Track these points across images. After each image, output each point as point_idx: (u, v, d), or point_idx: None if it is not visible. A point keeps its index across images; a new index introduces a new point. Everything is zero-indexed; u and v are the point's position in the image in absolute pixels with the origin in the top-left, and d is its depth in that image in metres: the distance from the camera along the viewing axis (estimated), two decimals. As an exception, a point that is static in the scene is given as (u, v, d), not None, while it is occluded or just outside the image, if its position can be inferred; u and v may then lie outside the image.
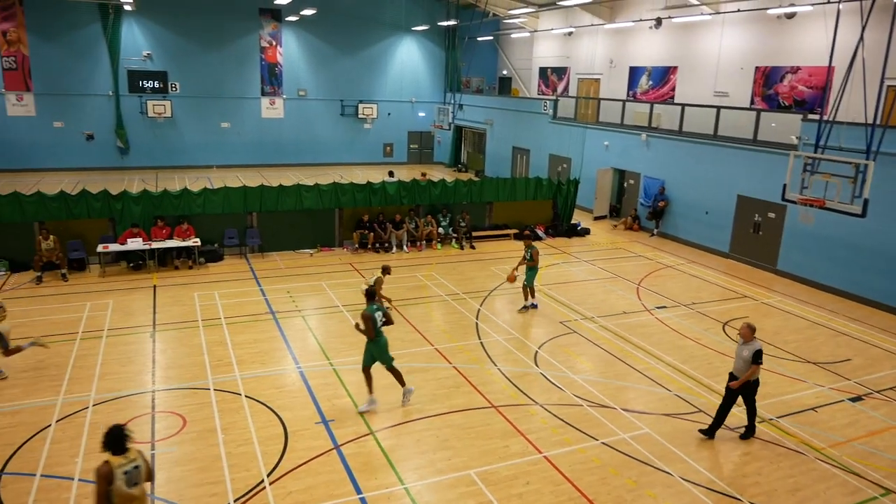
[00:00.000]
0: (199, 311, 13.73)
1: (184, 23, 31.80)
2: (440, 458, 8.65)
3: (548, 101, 29.09)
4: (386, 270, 12.77)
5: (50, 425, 9.18)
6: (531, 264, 14.06)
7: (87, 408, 9.68)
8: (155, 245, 16.16)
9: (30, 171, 29.85)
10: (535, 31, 34.36)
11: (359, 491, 7.89)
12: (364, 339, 9.76)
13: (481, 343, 12.56)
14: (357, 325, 9.78)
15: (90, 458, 8.41)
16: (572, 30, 31.40)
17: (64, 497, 7.67)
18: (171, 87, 32.28)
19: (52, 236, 15.33)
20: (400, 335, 12.74)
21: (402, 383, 10.05)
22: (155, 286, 15.25)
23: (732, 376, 9.18)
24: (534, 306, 14.36)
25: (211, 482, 8.03)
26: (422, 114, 37.65)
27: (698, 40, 24.66)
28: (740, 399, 9.27)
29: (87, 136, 31.28)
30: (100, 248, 15.93)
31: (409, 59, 36.92)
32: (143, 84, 31.79)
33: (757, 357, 8.86)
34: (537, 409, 10.04)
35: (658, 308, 14.94)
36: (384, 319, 9.82)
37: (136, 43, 31.35)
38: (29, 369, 10.79)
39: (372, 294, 10.03)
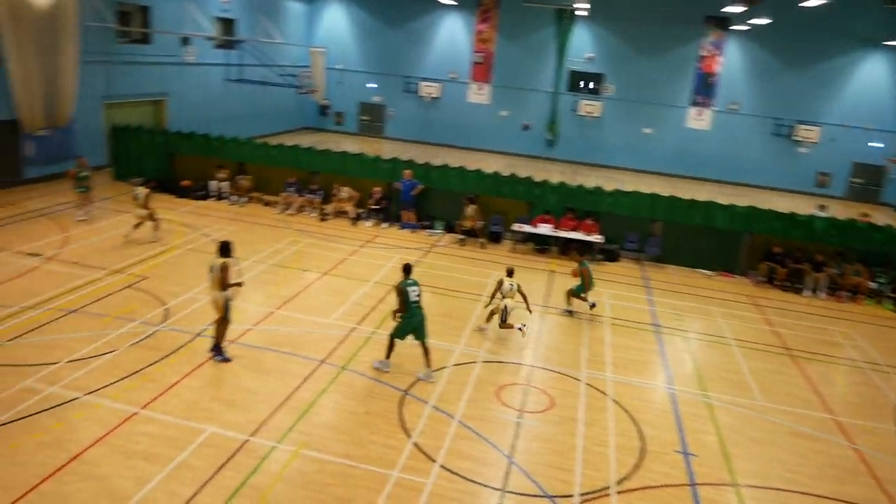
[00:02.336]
0: (586, 304, 14.24)
1: (628, 28, 32.86)
2: (814, 546, 7.38)
3: None
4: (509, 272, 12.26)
5: (446, 367, 10.66)
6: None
7: (475, 362, 10.95)
8: (561, 234, 17.29)
9: (475, 151, 34.87)
10: None
11: (708, 540, 7.25)
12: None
13: (900, 431, 10.24)
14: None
15: (471, 405, 9.53)
16: None
17: (444, 430, 8.85)
18: (605, 89, 33.85)
19: (474, 206, 17.68)
20: (792, 391, 11.22)
21: (428, 364, 10.08)
22: (553, 271, 16.34)
23: None
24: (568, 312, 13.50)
25: (561, 468, 8.32)
26: (878, 144, 31.97)
27: None
28: None
29: (525, 126, 35.03)
30: (514, 227, 17.79)
31: (872, 78, 31.53)
32: (580, 84, 34.06)
33: None
34: (966, 539, 7.77)
35: None
36: (419, 297, 9.99)
37: (582, 45, 33.64)
38: (441, 315, 12.66)
39: (407, 268, 10.08)
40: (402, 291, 9.87)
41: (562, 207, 18.04)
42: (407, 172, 18.72)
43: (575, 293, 13.40)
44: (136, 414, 8.52)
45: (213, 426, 8.41)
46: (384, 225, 18.80)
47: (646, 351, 12.23)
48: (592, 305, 13.42)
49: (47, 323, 10.79)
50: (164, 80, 25.04)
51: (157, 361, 9.87)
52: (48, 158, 19.59)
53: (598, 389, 10.46)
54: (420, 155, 24.89)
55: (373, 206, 18.88)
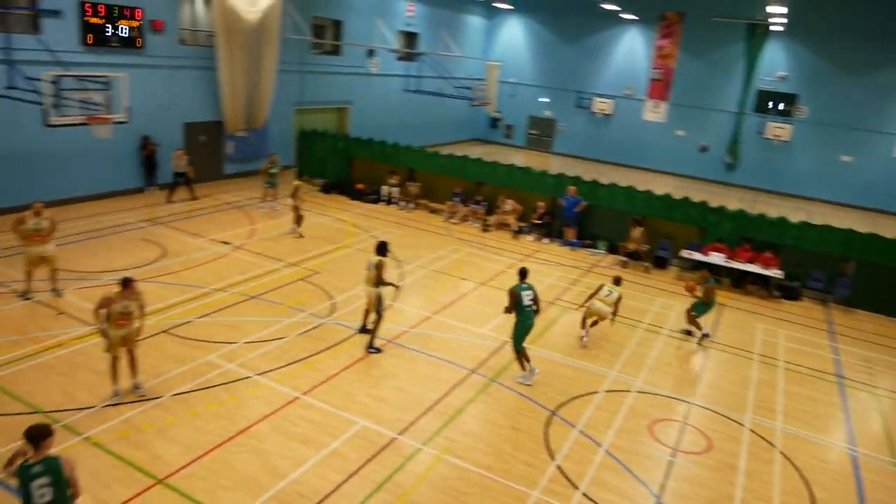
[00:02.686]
0: (758, 343, 13.09)
1: (829, 45, 29.77)
2: None
3: None
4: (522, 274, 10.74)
5: (598, 392, 10.28)
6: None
7: (629, 391, 10.45)
8: (735, 265, 16.03)
9: (646, 170, 33.51)
10: None
11: None
12: None
13: None
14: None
15: (621, 435, 9.10)
16: None
17: (589, 457, 8.53)
18: (797, 111, 31.02)
19: (640, 228, 16.96)
20: None
21: (523, 367, 10.23)
22: (723, 304, 15.17)
23: None
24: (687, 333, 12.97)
25: (717, 519, 7.68)
26: None
27: None
28: None
29: (702, 147, 33.04)
30: (683, 253, 16.77)
31: None
32: (769, 105, 31.50)
33: None
34: None
35: None
36: (533, 302, 9.96)
37: (774, 63, 31.06)
38: (596, 339, 12.23)
39: (523, 272, 10.15)
40: (515, 294, 9.95)
41: (737, 237, 16.74)
42: (571, 189, 18.40)
43: (695, 312, 12.74)
44: (297, 399, 9.12)
45: (366, 420, 8.78)
46: (545, 240, 18.63)
47: (825, 403, 10.95)
48: (705, 335, 12.88)
49: (231, 305, 11.93)
50: (349, 89, 26.85)
51: (320, 352, 10.52)
52: (244, 157, 21.80)
53: (763, 438, 9.53)
54: (587, 172, 24.36)
55: (535, 221, 18.78)
